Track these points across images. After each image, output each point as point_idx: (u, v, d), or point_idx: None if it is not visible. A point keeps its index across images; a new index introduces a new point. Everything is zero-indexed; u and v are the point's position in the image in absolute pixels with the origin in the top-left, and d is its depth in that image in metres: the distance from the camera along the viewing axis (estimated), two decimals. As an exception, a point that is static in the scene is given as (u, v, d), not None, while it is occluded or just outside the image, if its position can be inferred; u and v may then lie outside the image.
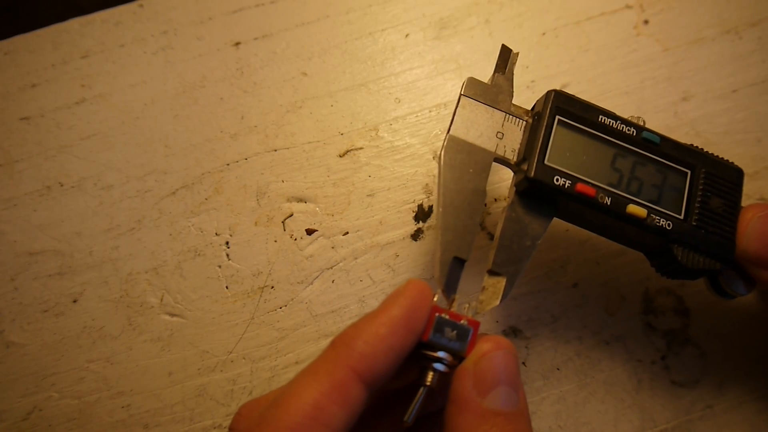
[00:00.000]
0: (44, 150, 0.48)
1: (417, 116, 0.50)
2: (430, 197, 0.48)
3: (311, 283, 0.46)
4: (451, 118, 0.38)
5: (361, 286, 0.45)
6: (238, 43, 0.51)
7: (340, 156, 0.48)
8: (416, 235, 0.47)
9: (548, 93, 0.38)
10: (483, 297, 0.36)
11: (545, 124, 0.37)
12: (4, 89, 0.49)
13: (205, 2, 0.52)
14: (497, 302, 0.35)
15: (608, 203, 0.36)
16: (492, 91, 0.39)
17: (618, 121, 0.38)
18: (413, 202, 0.47)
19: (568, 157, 0.37)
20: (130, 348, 0.44)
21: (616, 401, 0.44)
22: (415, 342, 0.32)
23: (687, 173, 0.38)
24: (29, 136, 0.48)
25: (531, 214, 0.37)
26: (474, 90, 0.38)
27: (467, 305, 0.35)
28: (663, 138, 0.38)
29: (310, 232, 0.46)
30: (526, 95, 0.50)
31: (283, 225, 0.47)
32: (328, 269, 0.46)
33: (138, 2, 0.52)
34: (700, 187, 0.38)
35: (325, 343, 0.44)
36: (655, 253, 0.39)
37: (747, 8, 0.53)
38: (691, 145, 0.39)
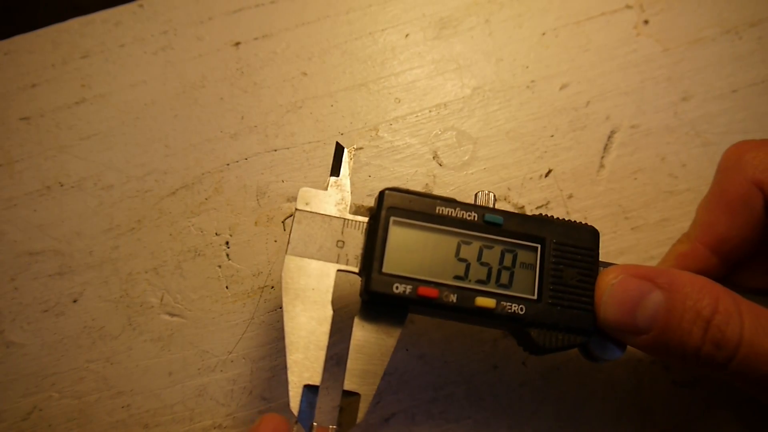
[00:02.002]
0: (44, 150, 0.48)
1: (417, 116, 0.50)
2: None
3: (311, 283, 0.46)
4: (288, 237, 0.37)
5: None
6: (238, 43, 0.51)
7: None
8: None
9: (380, 193, 0.37)
10: (341, 419, 0.35)
11: (380, 228, 0.36)
12: (4, 89, 0.49)
13: (205, 2, 0.52)
14: (355, 423, 0.35)
15: (454, 301, 0.35)
16: (328, 197, 0.38)
17: (458, 208, 0.37)
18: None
19: (409, 258, 0.36)
20: (130, 348, 0.44)
21: (616, 401, 0.44)
22: None
23: (537, 248, 0.37)
24: (29, 136, 0.48)
25: (380, 324, 0.36)
26: (309, 201, 0.37)
27: (330, 428, 0.34)
28: (507, 216, 0.37)
29: (310, 232, 0.46)
30: (525, 95, 0.50)
31: (283, 225, 0.47)
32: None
33: (138, 2, 0.52)
34: (552, 260, 0.36)
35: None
36: (515, 333, 0.38)
37: (747, 8, 0.53)
38: (541, 214, 0.38)
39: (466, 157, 0.49)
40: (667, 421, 0.44)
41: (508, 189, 0.48)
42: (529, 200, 0.48)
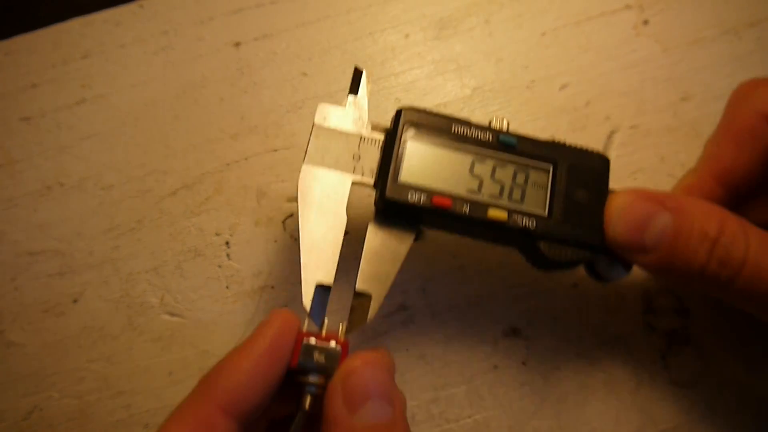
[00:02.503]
0: (45, 150, 0.48)
1: (417, 116, 0.50)
2: (430, 197, 0.48)
3: (311, 283, 0.46)
4: (305, 148, 0.37)
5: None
6: (238, 43, 0.51)
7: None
8: (416, 235, 0.47)
9: (397, 111, 0.38)
10: (351, 318, 0.36)
11: (397, 142, 0.37)
12: (4, 89, 0.49)
13: (205, 2, 0.52)
14: (365, 322, 0.36)
15: (467, 211, 0.36)
16: (346, 114, 0.39)
17: (473, 128, 0.38)
18: (413, 202, 0.47)
19: (424, 171, 0.37)
20: (131, 348, 0.44)
21: (616, 401, 0.44)
22: (284, 370, 0.33)
23: (549, 169, 0.38)
24: (30, 136, 0.48)
25: (393, 232, 0.37)
26: (327, 116, 0.38)
27: (341, 325, 0.35)
28: (521, 138, 0.38)
29: (310, 232, 0.46)
30: (525, 96, 0.50)
31: (283, 225, 0.47)
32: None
33: (138, 2, 0.52)
34: (563, 181, 0.38)
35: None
36: (526, 249, 0.39)
37: (746, 8, 0.53)
38: (553, 140, 0.39)
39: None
40: (667, 421, 0.44)
41: (508, 189, 0.48)
42: (529, 200, 0.48)
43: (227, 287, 0.45)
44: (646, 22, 0.53)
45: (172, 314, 0.45)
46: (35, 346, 0.44)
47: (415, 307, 0.45)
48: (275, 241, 0.46)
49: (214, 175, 0.48)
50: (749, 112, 0.39)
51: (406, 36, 0.52)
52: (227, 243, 0.46)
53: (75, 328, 0.44)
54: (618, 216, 0.37)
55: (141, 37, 0.51)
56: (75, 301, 0.45)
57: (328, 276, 0.36)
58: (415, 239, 0.38)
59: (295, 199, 0.47)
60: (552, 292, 0.46)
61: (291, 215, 0.47)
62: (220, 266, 0.46)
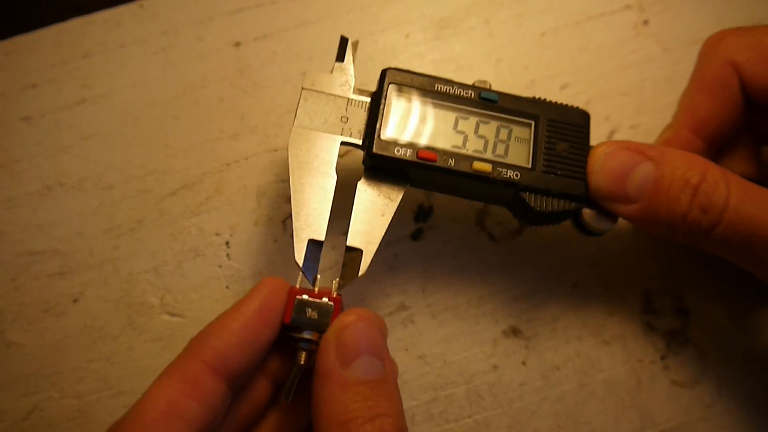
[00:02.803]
0: (45, 150, 0.48)
1: (417, 116, 0.50)
2: (431, 197, 0.48)
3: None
4: (295, 112, 0.39)
5: (361, 286, 0.45)
6: (238, 43, 0.51)
7: (341, 156, 0.48)
8: (416, 235, 0.47)
9: (382, 71, 0.39)
10: (344, 272, 0.38)
11: (383, 101, 0.38)
12: (4, 89, 0.49)
13: (205, 2, 0.52)
14: (357, 276, 0.37)
15: (452, 164, 0.38)
16: (333, 79, 0.40)
17: (455, 87, 0.40)
18: (413, 202, 0.48)
19: (409, 128, 0.38)
20: (131, 348, 0.44)
21: (616, 401, 0.44)
22: (275, 331, 0.34)
23: (530, 124, 0.40)
24: (30, 136, 0.48)
25: (382, 188, 0.39)
26: (315, 82, 0.40)
27: (333, 282, 0.37)
28: (502, 95, 0.40)
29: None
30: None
31: (283, 225, 0.47)
32: (328, 269, 0.46)
33: (138, 2, 0.52)
34: (545, 135, 0.39)
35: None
36: (513, 205, 0.40)
37: (746, 8, 0.53)
38: (534, 96, 0.41)
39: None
40: (667, 421, 0.44)
41: (508, 189, 0.48)
42: (529, 200, 0.48)
43: (227, 287, 0.45)
44: (646, 22, 0.53)
45: (172, 314, 0.45)
46: (35, 346, 0.44)
47: (415, 307, 0.45)
48: (275, 241, 0.46)
49: (214, 175, 0.48)
50: (718, 62, 0.41)
51: (407, 36, 0.52)
52: (227, 243, 0.46)
53: (75, 328, 0.44)
54: (600, 166, 0.38)
55: (141, 37, 0.51)
56: (75, 301, 0.45)
57: (319, 232, 0.37)
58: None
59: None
60: (552, 292, 0.46)
61: (291, 215, 0.47)
62: (220, 266, 0.46)
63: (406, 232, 0.47)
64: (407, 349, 0.45)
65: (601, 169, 0.38)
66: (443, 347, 0.45)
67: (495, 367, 0.45)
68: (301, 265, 0.36)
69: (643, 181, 0.36)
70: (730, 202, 0.34)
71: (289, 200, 0.47)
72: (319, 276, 0.37)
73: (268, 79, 0.50)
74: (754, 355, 0.45)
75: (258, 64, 0.51)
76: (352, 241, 0.37)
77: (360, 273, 0.37)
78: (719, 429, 0.44)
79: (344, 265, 0.38)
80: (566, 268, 0.47)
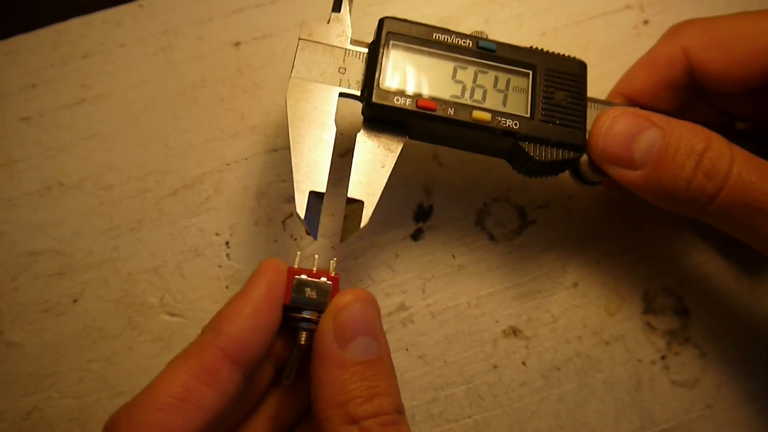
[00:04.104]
0: (44, 150, 0.48)
1: (417, 116, 0.50)
2: (431, 197, 0.48)
3: (311, 283, 0.46)
4: (292, 63, 0.38)
5: (362, 286, 0.45)
6: (238, 43, 0.51)
7: (341, 156, 0.48)
8: (416, 235, 0.47)
9: (380, 20, 0.39)
10: (346, 225, 0.37)
11: (380, 50, 0.38)
12: (4, 89, 0.49)
13: (205, 2, 0.52)
14: (359, 227, 0.37)
15: (452, 113, 0.37)
16: (330, 30, 0.40)
17: (453, 36, 0.39)
18: (413, 202, 0.48)
19: (408, 78, 0.38)
20: (131, 348, 0.44)
21: (616, 401, 0.44)
22: (280, 314, 0.34)
23: (528, 73, 0.39)
24: (29, 136, 0.48)
25: (382, 139, 0.38)
26: (312, 32, 0.39)
27: (331, 262, 0.37)
28: (500, 44, 0.40)
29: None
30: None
31: (283, 225, 0.47)
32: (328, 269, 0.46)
33: (138, 2, 0.52)
34: (543, 84, 0.39)
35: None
36: (512, 155, 0.40)
37: (746, 8, 0.53)
38: (531, 46, 0.40)
39: (466, 157, 0.49)
40: (667, 420, 0.44)
41: (508, 189, 0.48)
42: (529, 200, 0.48)
43: (227, 287, 0.45)
44: (646, 22, 0.53)
45: (172, 314, 0.45)
46: (35, 346, 0.44)
47: (415, 307, 0.45)
48: (275, 241, 0.46)
49: (214, 175, 0.48)
50: (673, 44, 0.42)
51: (406, 36, 0.52)
52: (227, 243, 0.46)
53: (75, 328, 0.44)
54: (608, 129, 0.38)
55: (141, 37, 0.51)
56: (75, 301, 0.45)
57: (320, 184, 0.37)
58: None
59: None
60: (552, 292, 0.46)
61: (291, 215, 0.47)
62: (220, 266, 0.46)
63: (406, 232, 0.47)
64: (407, 349, 0.44)
65: (608, 132, 0.38)
66: (443, 347, 0.45)
67: (495, 367, 0.45)
68: (302, 216, 0.36)
69: (649, 146, 0.36)
70: (733, 169, 0.34)
71: (289, 200, 0.47)
72: (317, 256, 0.37)
73: (268, 79, 0.50)
74: (754, 355, 0.45)
75: (258, 64, 0.51)
76: (352, 193, 0.37)
77: (362, 224, 0.37)
78: (719, 429, 0.44)
79: (346, 216, 0.38)
80: (566, 268, 0.47)
